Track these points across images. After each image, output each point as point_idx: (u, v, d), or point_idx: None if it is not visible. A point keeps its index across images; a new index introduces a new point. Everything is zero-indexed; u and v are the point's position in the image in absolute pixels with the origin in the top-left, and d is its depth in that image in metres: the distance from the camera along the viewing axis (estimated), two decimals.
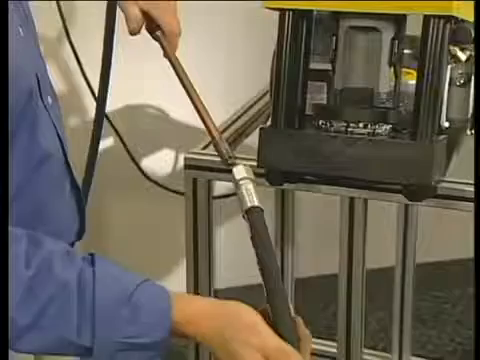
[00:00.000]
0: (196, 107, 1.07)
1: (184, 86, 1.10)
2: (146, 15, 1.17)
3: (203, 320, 0.85)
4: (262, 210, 0.91)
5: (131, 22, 1.17)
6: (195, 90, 1.09)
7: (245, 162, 1.04)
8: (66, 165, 1.04)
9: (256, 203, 0.91)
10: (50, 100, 1.02)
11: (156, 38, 1.18)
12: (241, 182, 0.94)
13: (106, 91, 1.20)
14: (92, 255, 0.85)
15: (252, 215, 0.91)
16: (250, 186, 0.93)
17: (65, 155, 1.04)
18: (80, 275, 0.82)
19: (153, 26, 1.17)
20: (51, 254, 0.83)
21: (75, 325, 0.81)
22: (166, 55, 1.16)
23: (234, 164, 0.97)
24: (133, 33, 1.18)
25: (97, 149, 1.25)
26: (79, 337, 0.81)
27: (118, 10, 1.20)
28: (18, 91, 0.89)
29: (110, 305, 0.82)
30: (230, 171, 0.96)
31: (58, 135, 1.03)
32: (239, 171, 0.95)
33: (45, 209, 0.97)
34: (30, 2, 1.06)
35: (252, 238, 0.91)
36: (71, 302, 0.81)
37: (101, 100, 1.20)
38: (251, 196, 0.92)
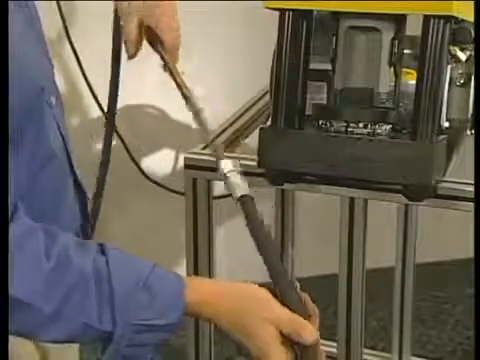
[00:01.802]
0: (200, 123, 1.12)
1: (185, 98, 1.14)
2: (146, 27, 1.17)
3: (216, 299, 0.88)
4: (252, 198, 0.95)
5: (129, 45, 1.17)
6: (197, 104, 1.13)
7: (246, 162, 1.04)
8: (69, 165, 1.05)
9: (244, 192, 0.95)
10: (53, 100, 1.03)
11: (157, 51, 1.18)
12: (228, 174, 0.98)
13: (114, 108, 1.21)
14: (102, 245, 0.88)
15: (242, 203, 0.95)
16: (237, 177, 0.97)
17: (68, 155, 1.04)
18: (94, 264, 0.85)
19: (153, 37, 1.17)
20: (67, 245, 0.85)
21: (96, 311, 0.84)
22: (167, 69, 1.17)
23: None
24: (130, 57, 1.18)
25: (107, 167, 1.27)
26: (100, 323, 0.84)
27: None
28: (24, 91, 0.89)
29: (127, 291, 0.85)
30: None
31: (61, 135, 1.03)
32: (226, 164, 0.99)
33: (48, 208, 0.98)
34: (36, 2, 1.06)
35: (247, 224, 0.94)
36: (90, 290, 0.84)
37: (111, 122, 1.21)
38: (239, 187, 0.96)
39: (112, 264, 0.86)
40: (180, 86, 1.14)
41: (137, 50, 1.18)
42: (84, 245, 0.88)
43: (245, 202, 0.95)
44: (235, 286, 0.91)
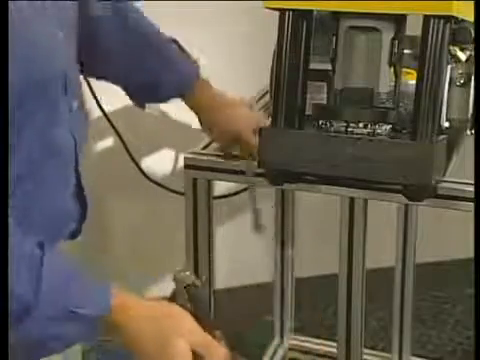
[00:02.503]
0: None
1: None
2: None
3: (137, 309, 0.90)
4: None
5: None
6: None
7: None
8: (75, 170, 1.06)
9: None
10: (75, 105, 1.04)
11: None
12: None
13: None
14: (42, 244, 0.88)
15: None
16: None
17: (76, 161, 1.05)
18: (32, 250, 0.85)
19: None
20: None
21: (25, 279, 0.83)
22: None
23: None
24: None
25: None
26: (24, 289, 0.83)
27: None
28: (43, 71, 0.93)
29: (55, 278, 0.85)
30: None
31: (74, 138, 1.04)
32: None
33: (44, 201, 0.98)
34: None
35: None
36: (22, 262, 0.83)
37: None
38: None
39: (46, 262, 0.86)
40: None
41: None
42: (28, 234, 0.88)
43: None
44: (157, 303, 0.93)
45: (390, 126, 1.24)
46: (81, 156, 1.08)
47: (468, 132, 1.31)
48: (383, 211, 2.16)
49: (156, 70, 1.36)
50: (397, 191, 1.25)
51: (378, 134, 1.23)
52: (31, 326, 0.84)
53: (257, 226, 1.18)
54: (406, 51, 1.28)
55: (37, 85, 0.93)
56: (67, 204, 1.07)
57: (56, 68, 0.98)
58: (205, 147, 1.50)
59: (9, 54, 0.83)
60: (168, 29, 2.37)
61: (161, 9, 2.31)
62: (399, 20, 1.23)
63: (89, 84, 2.34)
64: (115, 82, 1.37)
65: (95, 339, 0.90)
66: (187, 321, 0.92)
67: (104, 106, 2.23)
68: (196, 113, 1.45)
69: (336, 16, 1.24)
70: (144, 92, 1.40)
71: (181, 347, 0.88)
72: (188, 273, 0.98)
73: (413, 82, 1.22)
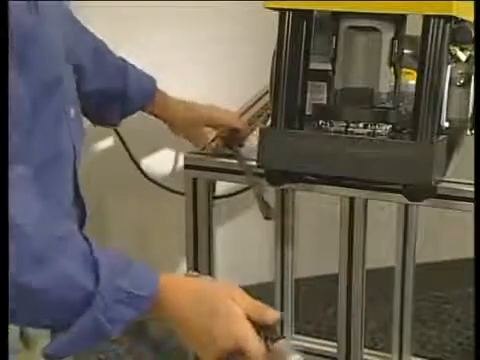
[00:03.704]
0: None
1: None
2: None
3: (185, 284, 0.92)
4: None
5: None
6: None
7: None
8: (73, 176, 1.06)
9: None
10: (72, 112, 1.05)
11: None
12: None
13: None
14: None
15: None
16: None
17: (75, 168, 1.06)
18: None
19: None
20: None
21: (81, 266, 0.84)
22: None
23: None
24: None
25: None
26: (85, 277, 0.84)
27: None
28: (47, 72, 0.95)
29: (108, 259, 0.88)
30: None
31: (73, 145, 1.04)
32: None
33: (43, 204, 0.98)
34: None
35: None
36: (76, 247, 0.86)
37: None
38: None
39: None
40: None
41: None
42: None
43: None
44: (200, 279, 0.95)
45: (390, 126, 1.24)
46: (78, 163, 1.08)
47: (468, 132, 1.31)
48: (383, 211, 2.16)
49: (122, 87, 1.44)
50: (397, 191, 1.25)
51: (378, 134, 1.23)
52: (93, 313, 0.84)
53: (267, 212, 1.19)
54: (406, 51, 1.28)
55: (46, 88, 0.94)
56: (66, 209, 1.07)
57: (57, 71, 0.99)
58: (205, 147, 1.50)
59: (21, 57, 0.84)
60: (168, 29, 2.37)
61: (161, 9, 2.31)
62: (399, 20, 1.23)
63: None
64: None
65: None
66: (236, 288, 0.93)
67: None
68: (161, 117, 1.58)
69: (336, 16, 1.24)
70: (112, 111, 1.47)
71: (235, 308, 0.90)
72: (196, 273, 0.98)
73: (413, 82, 1.22)
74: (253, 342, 0.89)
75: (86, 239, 0.89)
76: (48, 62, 0.95)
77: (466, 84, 1.28)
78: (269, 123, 1.31)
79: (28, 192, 0.84)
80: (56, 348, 0.85)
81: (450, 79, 1.26)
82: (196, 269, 1.52)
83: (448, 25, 1.16)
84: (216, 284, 0.95)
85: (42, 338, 1.00)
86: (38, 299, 0.82)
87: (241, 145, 1.45)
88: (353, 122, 1.23)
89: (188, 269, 1.52)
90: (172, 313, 0.90)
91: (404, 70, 1.29)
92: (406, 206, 2.07)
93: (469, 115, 1.29)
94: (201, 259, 1.52)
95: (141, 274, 0.89)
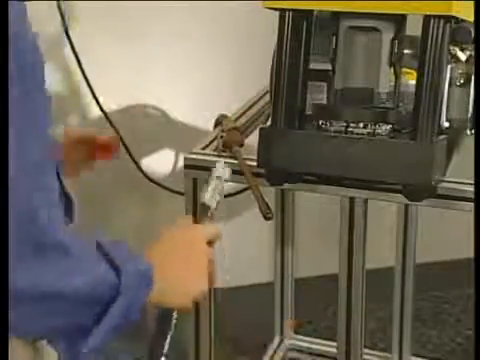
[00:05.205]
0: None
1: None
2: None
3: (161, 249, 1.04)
4: (209, 207, 1.13)
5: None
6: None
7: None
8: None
9: (206, 201, 1.13)
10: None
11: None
12: (213, 179, 1.15)
13: None
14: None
15: (200, 209, 1.14)
16: (219, 186, 1.14)
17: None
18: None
19: None
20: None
21: (101, 265, 0.87)
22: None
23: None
24: None
25: None
26: (106, 274, 0.87)
27: None
28: None
29: (112, 246, 0.92)
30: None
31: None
32: (218, 168, 1.16)
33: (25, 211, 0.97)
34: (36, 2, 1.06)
35: None
36: (91, 252, 0.90)
37: None
38: (210, 194, 1.14)
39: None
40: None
41: None
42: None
43: (201, 209, 1.13)
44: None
45: (390, 126, 1.24)
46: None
47: (468, 132, 1.31)
48: (383, 211, 2.16)
49: None
50: (397, 191, 1.25)
51: (378, 134, 1.23)
52: (122, 304, 0.87)
53: (267, 212, 1.20)
54: (406, 51, 1.28)
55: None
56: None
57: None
58: (205, 147, 1.50)
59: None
60: (168, 29, 2.37)
61: (161, 9, 2.32)
62: (399, 20, 1.23)
63: (89, 84, 2.35)
64: None
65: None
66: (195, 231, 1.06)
67: (104, 106, 2.23)
68: None
69: (336, 16, 1.24)
70: None
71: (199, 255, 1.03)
72: None
73: (413, 82, 1.22)
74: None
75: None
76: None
77: (466, 84, 1.28)
78: (269, 123, 1.31)
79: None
80: (91, 344, 0.87)
81: (450, 79, 1.26)
82: None
83: (448, 25, 1.16)
84: (182, 236, 1.05)
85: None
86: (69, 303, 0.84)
87: (241, 145, 1.44)
88: (353, 122, 1.23)
89: None
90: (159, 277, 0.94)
91: (404, 70, 1.29)
92: (406, 206, 2.07)
93: (469, 115, 1.29)
94: None
95: (130, 251, 0.94)
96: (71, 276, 0.83)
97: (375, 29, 1.22)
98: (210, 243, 1.06)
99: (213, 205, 1.12)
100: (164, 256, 1.00)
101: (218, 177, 1.15)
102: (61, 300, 0.82)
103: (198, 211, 1.14)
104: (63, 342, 0.89)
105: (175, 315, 1.01)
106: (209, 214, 1.12)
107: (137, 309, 0.89)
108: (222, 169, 1.16)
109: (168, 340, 1.00)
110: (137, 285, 0.89)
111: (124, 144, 2.42)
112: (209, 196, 1.13)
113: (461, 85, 1.28)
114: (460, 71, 1.28)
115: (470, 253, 1.16)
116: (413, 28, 1.24)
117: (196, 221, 1.12)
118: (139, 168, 2.48)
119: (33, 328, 0.85)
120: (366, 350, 1.88)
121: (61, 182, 1.07)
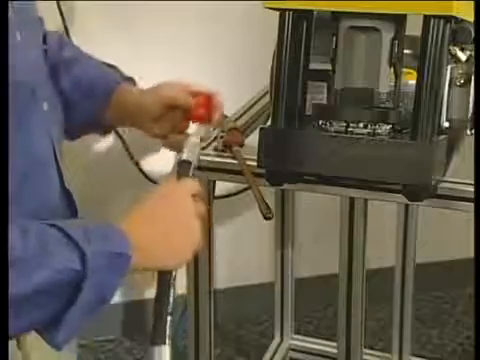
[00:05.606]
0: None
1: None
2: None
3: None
4: (190, 163, 1.10)
5: None
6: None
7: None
8: (58, 173, 1.04)
9: (186, 158, 1.11)
10: (45, 106, 1.02)
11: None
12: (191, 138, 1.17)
13: None
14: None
15: (180, 167, 1.10)
16: (197, 144, 1.16)
17: (57, 162, 1.04)
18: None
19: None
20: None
21: (66, 250, 0.83)
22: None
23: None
24: None
25: None
26: (71, 262, 0.83)
27: None
28: (14, 94, 0.88)
29: (79, 229, 0.88)
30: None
31: (51, 140, 1.03)
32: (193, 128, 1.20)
33: (32, 216, 0.96)
34: (38, 3, 1.06)
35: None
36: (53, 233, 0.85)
37: None
38: (189, 150, 1.13)
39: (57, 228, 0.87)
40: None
41: None
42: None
43: (181, 167, 1.09)
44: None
45: (390, 126, 1.24)
46: (60, 155, 1.06)
47: (468, 132, 1.31)
48: (383, 211, 2.16)
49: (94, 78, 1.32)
50: (397, 191, 1.25)
51: (378, 134, 1.23)
52: (89, 288, 0.84)
53: (267, 212, 1.19)
54: (406, 51, 1.28)
55: (16, 103, 0.90)
56: (52, 205, 1.05)
57: (26, 76, 0.95)
58: (205, 147, 1.50)
59: None
60: (168, 29, 2.37)
61: (161, 9, 2.31)
62: (399, 20, 1.23)
63: None
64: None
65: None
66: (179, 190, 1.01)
67: None
68: (127, 112, 1.38)
69: (336, 16, 1.24)
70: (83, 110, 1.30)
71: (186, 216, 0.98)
72: None
73: (413, 82, 1.22)
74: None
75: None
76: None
77: (466, 84, 1.28)
78: (269, 123, 1.31)
79: None
80: (64, 333, 0.85)
81: (450, 79, 1.26)
82: (196, 269, 1.52)
83: (448, 25, 1.16)
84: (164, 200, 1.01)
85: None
86: (35, 300, 0.82)
87: (241, 145, 1.44)
88: (353, 122, 1.23)
89: (188, 269, 1.52)
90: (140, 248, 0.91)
91: (404, 70, 1.29)
92: (406, 206, 2.07)
93: (469, 115, 1.29)
94: (201, 259, 1.52)
95: (110, 232, 0.91)
96: (26, 276, 0.80)
97: (375, 29, 1.22)
98: (195, 197, 1.01)
99: (194, 161, 1.10)
100: (147, 218, 0.97)
101: (194, 135, 1.17)
102: (25, 301, 0.80)
103: (178, 169, 1.09)
104: (44, 335, 0.88)
105: (173, 275, 0.96)
106: (191, 172, 1.09)
107: (110, 290, 0.86)
108: (197, 128, 1.19)
109: (171, 301, 0.97)
110: (106, 265, 0.85)
111: (124, 144, 2.43)
112: (188, 152, 1.12)
113: (461, 85, 1.28)
114: (460, 71, 1.28)
115: (470, 253, 1.16)
116: (413, 28, 1.24)
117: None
118: (139, 168, 2.48)
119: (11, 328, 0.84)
120: (366, 350, 1.88)
121: (62, 179, 1.07)
